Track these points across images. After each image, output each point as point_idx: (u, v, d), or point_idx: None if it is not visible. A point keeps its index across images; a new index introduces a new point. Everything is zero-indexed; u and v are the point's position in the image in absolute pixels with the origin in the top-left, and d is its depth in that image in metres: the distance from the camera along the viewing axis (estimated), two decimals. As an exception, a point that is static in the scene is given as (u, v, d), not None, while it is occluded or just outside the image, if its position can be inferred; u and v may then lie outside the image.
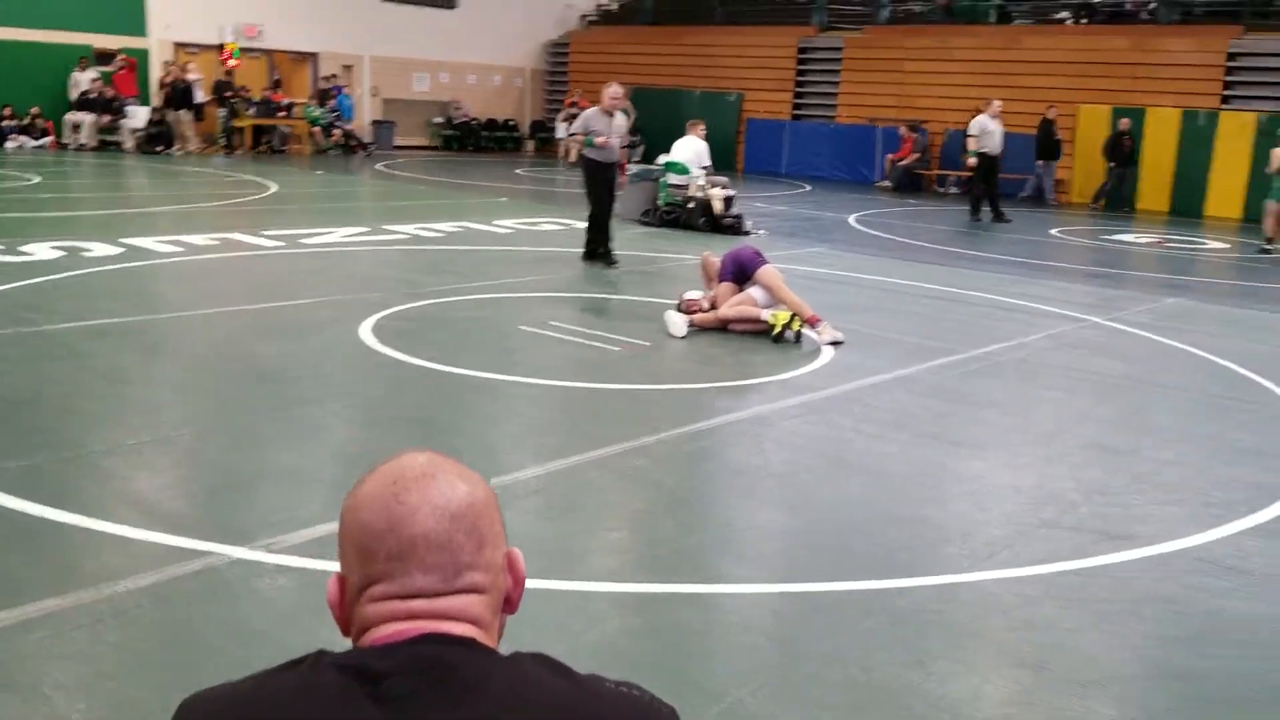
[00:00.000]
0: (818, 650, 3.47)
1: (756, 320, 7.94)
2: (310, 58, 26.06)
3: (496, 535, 1.17)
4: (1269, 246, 14.48)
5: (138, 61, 22.61)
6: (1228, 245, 15.66)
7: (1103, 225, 17.50)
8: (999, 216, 16.76)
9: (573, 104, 23.45)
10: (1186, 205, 19.36)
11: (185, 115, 22.24)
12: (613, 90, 10.87)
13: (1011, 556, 4.23)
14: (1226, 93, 19.75)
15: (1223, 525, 4.63)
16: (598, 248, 11.00)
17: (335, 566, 3.82)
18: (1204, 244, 15.59)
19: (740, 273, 8.20)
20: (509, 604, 1.19)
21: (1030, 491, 4.98)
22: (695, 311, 8.14)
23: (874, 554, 4.24)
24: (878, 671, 3.36)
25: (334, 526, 3.91)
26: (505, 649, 1.16)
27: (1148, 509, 4.80)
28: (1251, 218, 18.38)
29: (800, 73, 25.56)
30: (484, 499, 1.16)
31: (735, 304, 8.06)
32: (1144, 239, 15.85)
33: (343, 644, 1.20)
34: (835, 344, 7.67)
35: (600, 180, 10.88)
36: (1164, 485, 5.12)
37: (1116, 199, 19.86)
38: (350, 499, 1.16)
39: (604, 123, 10.74)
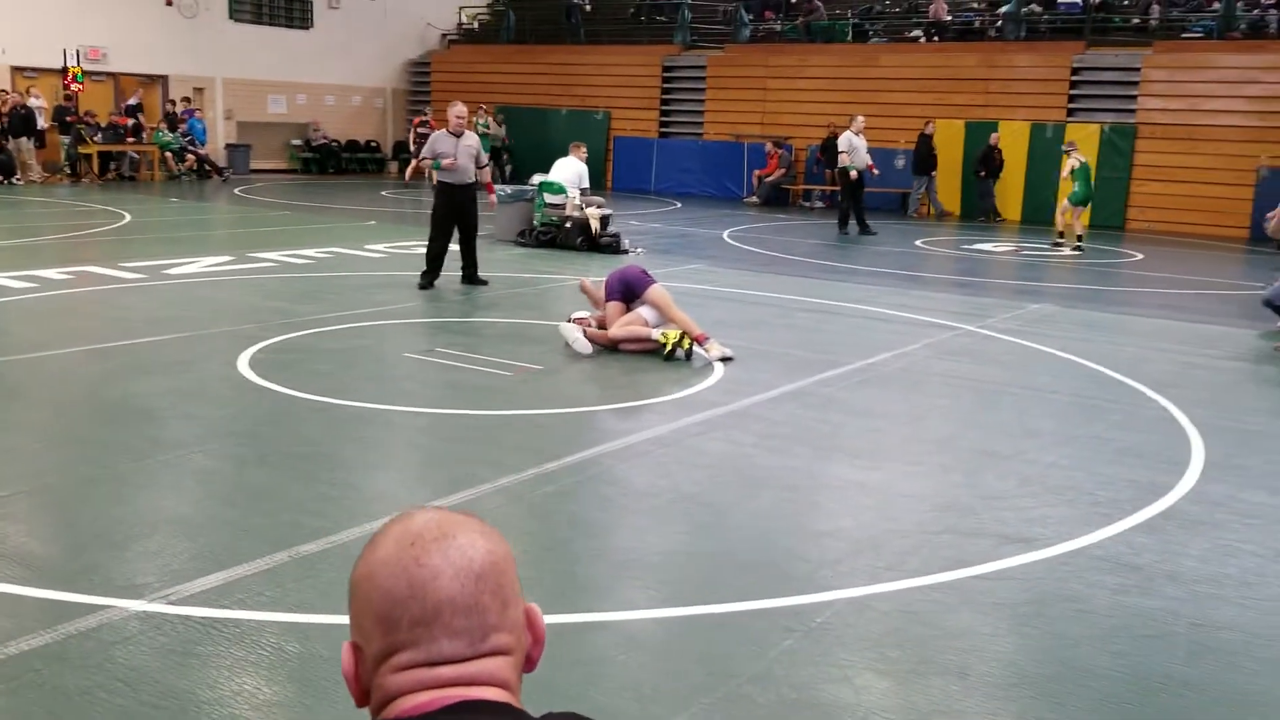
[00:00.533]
0: (745, 671, 3.46)
1: (646, 339, 7.95)
2: (160, 80, 25.14)
3: (517, 593, 1.11)
4: (1061, 241, 16.20)
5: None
6: (1079, 252, 16.41)
7: (963, 235, 18.15)
8: (865, 229, 17.22)
9: (422, 123, 23.15)
10: (1037, 214, 20.24)
11: (26, 143, 21.16)
12: (457, 110, 10.62)
13: (922, 565, 4.32)
14: (1071, 105, 20.78)
15: (1113, 524, 4.81)
16: (469, 271, 10.83)
17: (240, 614, 3.63)
18: (1058, 250, 16.30)
19: (628, 292, 8.20)
20: (529, 663, 1.14)
21: (931, 499, 5.10)
22: (581, 323, 8.14)
23: (790, 569, 4.27)
24: (808, 689, 3.37)
25: (234, 573, 3.73)
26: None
27: (1041, 511, 4.96)
28: (1097, 224, 19.36)
29: (666, 91, 25.87)
30: (504, 555, 1.11)
31: (625, 323, 8.06)
32: (1002, 248, 16.50)
33: (356, 714, 1.12)
34: (725, 360, 7.74)
35: (449, 204, 10.58)
36: (1053, 487, 5.30)
37: (982, 209, 20.57)
38: (363, 565, 1.09)
39: (450, 144, 10.45)
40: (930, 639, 3.70)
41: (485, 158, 11.10)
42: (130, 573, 3.96)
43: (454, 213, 10.61)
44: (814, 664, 3.52)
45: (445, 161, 10.40)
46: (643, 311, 8.08)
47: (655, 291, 8.12)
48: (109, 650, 3.39)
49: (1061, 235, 16.38)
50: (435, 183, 10.76)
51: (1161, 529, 4.77)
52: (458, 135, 10.52)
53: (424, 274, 10.66)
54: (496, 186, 16.32)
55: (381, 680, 1.06)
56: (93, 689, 3.17)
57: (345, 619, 3.58)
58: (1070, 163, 16.23)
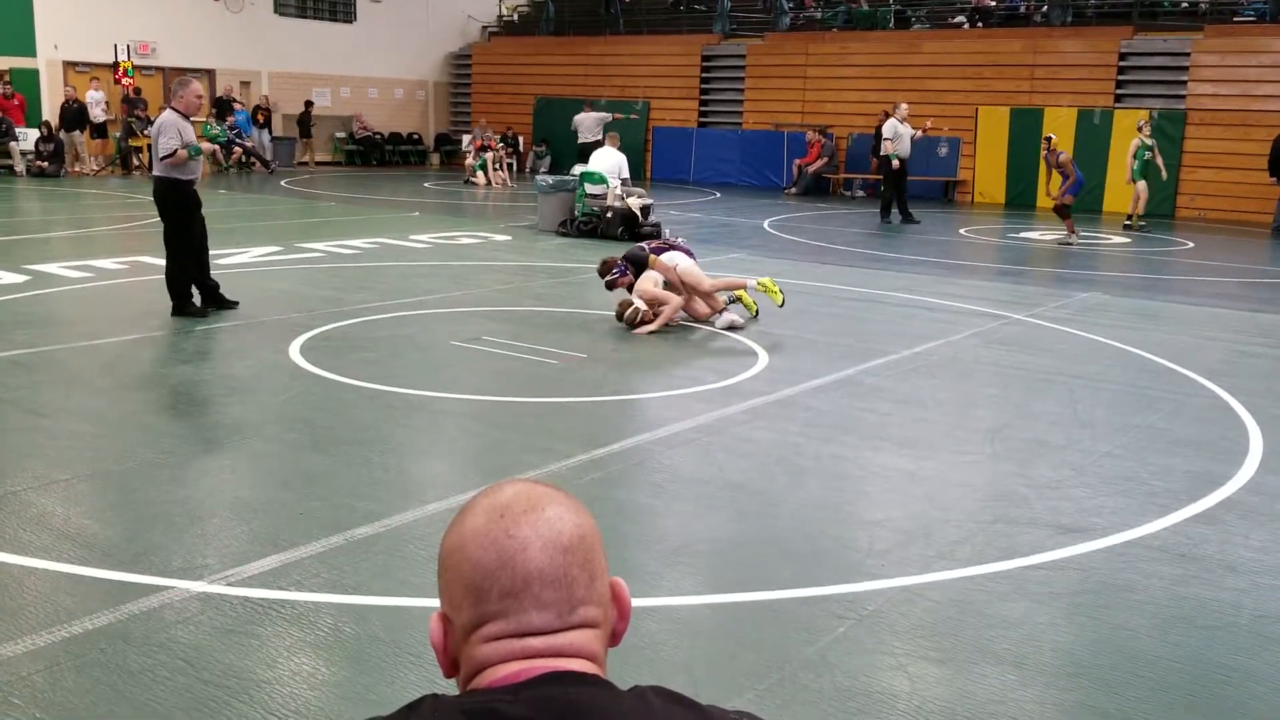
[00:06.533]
0: (798, 657, 3.46)
1: (740, 286, 8.80)
2: (207, 74, 25.41)
3: (603, 567, 1.12)
4: (1143, 224, 16.54)
5: (26, 101, 21.84)
6: (1129, 240, 16.20)
7: (1007, 224, 17.96)
8: (908, 218, 17.09)
9: (481, 132, 23.51)
10: (1084, 201, 19.93)
11: (79, 136, 21.51)
12: (194, 88, 8.55)
13: (975, 554, 4.28)
14: (1119, 91, 20.47)
15: (1169, 514, 4.75)
16: (211, 290, 8.71)
17: (297, 596, 3.66)
18: (1107, 239, 16.10)
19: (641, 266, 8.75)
20: (614, 637, 1.14)
21: (983, 489, 5.06)
22: (647, 320, 8.27)
23: (839, 558, 4.26)
24: (862, 677, 3.36)
25: (290, 556, 3.77)
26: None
27: (1096, 501, 4.91)
28: (1146, 212, 19.07)
29: (705, 80, 25.78)
30: (592, 529, 1.11)
31: (707, 280, 8.75)
32: (1048, 236, 16.31)
33: (444, 685, 1.13)
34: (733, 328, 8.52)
35: (191, 204, 8.57)
36: (1107, 477, 5.24)
37: None
38: (454, 536, 1.10)
39: (191, 131, 8.48)
40: (985, 628, 3.68)
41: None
42: (190, 554, 4.02)
43: (196, 214, 8.67)
44: (867, 652, 3.50)
45: (204, 148, 8.63)
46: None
47: (668, 266, 8.68)
48: (170, 630, 3.45)
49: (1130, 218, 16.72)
50: (166, 178, 8.41)
51: (1220, 519, 4.70)
52: (189, 119, 8.51)
53: (189, 299, 8.57)
54: (540, 177, 16.45)
55: (471, 650, 1.07)
56: (155, 667, 3.22)
57: (399, 600, 3.62)
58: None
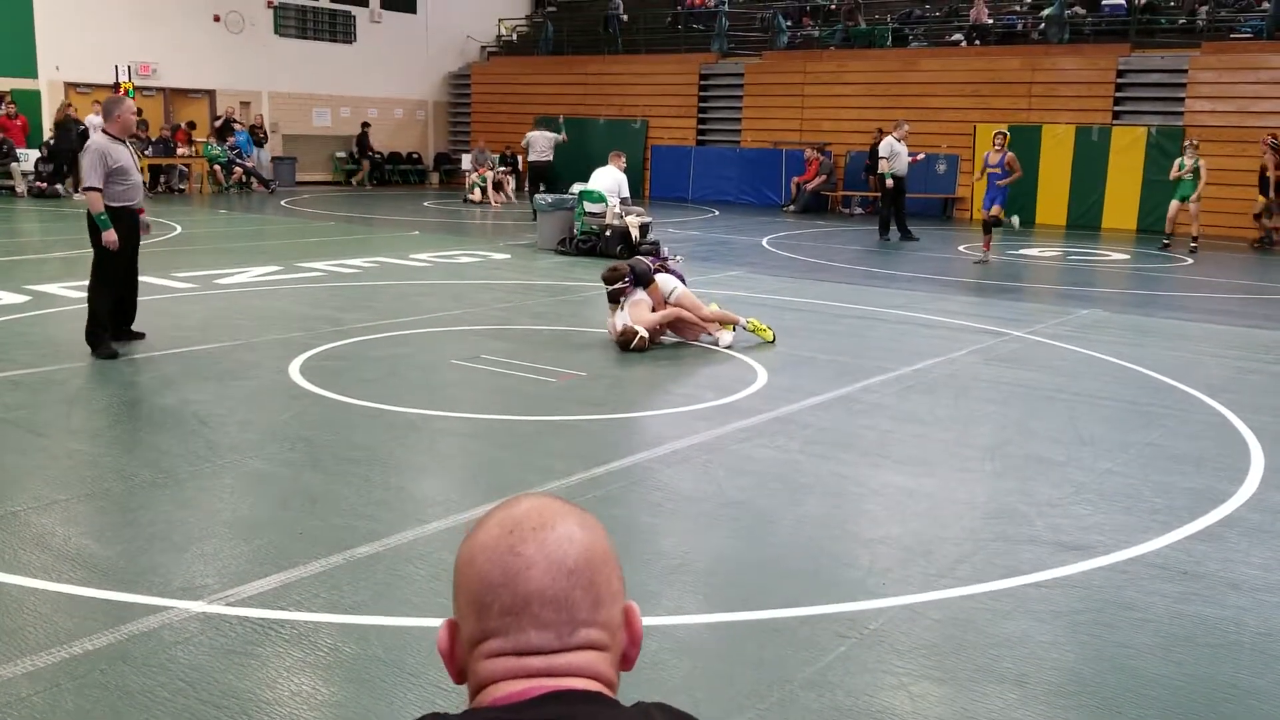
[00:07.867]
0: (798, 676, 3.45)
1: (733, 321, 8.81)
2: (208, 95, 25.51)
3: (615, 592, 1.11)
4: (1166, 241, 16.25)
5: (28, 121, 21.91)
6: (1127, 256, 16.23)
7: (1005, 241, 17.97)
8: (907, 235, 17.12)
9: (483, 152, 23.65)
10: (1083, 218, 20.03)
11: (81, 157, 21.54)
12: (128, 106, 7.76)
13: (975, 572, 4.28)
14: (1117, 108, 20.55)
15: (1171, 531, 4.74)
16: (123, 327, 8.02)
17: (297, 615, 3.66)
18: (1106, 255, 16.12)
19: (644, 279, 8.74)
20: (625, 662, 1.14)
21: (983, 506, 5.05)
22: (644, 337, 8.24)
23: (839, 576, 4.25)
24: (863, 696, 3.35)
25: (290, 575, 3.77)
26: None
27: (1097, 518, 4.90)
28: (1145, 228, 19.14)
29: (703, 99, 25.88)
30: (603, 551, 1.11)
31: (704, 308, 8.79)
32: (1047, 253, 16.33)
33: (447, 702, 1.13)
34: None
35: (129, 234, 7.88)
36: (1108, 494, 5.23)
37: None
38: (467, 546, 1.10)
39: (126, 153, 7.72)
40: (986, 647, 3.67)
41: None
42: (189, 574, 4.01)
43: (130, 245, 7.91)
44: (869, 671, 3.49)
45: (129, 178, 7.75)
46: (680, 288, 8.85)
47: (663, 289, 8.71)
48: (170, 650, 3.44)
49: (1169, 235, 16.64)
50: (100, 211, 7.66)
51: (1222, 537, 4.70)
52: (123, 141, 7.78)
53: (106, 335, 7.74)
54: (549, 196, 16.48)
55: (475, 665, 1.08)
56: (155, 688, 3.21)
57: (400, 620, 3.61)
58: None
